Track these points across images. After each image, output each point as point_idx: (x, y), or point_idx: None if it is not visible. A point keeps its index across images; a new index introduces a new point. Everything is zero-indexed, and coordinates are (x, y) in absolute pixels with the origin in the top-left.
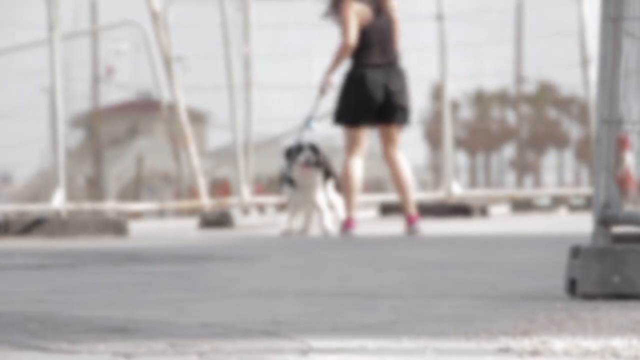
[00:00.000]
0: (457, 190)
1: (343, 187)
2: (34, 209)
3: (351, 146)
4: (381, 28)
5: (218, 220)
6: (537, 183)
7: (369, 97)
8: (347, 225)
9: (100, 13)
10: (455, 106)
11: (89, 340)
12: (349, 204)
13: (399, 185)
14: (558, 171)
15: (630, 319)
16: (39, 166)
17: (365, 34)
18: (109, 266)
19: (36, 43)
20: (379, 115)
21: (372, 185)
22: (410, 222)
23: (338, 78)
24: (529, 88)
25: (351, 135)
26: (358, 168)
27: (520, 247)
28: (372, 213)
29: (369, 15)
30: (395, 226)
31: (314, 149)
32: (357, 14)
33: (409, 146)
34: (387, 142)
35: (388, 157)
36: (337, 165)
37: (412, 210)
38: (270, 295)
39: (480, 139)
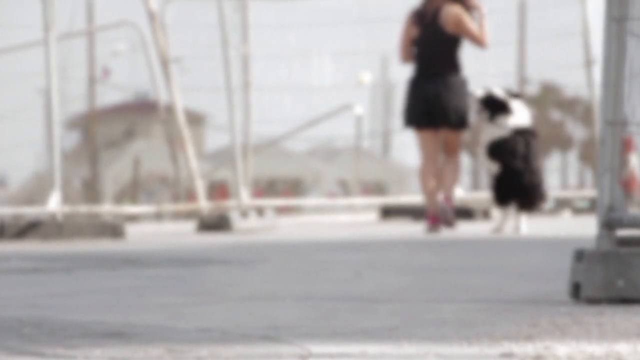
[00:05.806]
0: (460, 192)
1: (421, 189)
2: (30, 212)
3: (420, 151)
4: (425, 40)
5: (216, 223)
6: None
7: (414, 101)
8: (432, 221)
9: (97, 13)
10: None
11: (85, 345)
12: (427, 205)
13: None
14: (562, 173)
15: (634, 324)
16: (34, 168)
17: (416, 45)
18: (105, 270)
19: (32, 44)
20: (433, 120)
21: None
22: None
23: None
24: (532, 89)
25: (417, 140)
26: (426, 173)
27: (523, 250)
28: (373, 216)
29: (417, 27)
30: (396, 229)
31: None
32: (411, 25)
33: (410, 148)
34: (444, 146)
35: (446, 160)
36: (336, 166)
37: (433, 211)
38: (269, 299)
39: None
